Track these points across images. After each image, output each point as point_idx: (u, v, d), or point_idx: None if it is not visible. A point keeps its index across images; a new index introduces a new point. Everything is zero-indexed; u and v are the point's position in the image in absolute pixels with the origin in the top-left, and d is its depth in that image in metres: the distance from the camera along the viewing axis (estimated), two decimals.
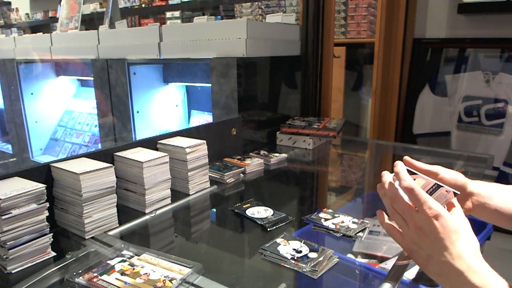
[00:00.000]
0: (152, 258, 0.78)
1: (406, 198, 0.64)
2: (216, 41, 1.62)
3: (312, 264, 0.76)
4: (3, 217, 0.74)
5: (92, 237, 0.90)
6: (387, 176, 0.70)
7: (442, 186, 0.65)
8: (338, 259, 0.79)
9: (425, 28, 2.07)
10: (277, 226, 0.95)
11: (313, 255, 0.80)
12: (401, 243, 0.67)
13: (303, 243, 0.84)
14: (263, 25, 1.77)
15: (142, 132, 2.09)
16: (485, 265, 0.56)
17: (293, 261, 0.78)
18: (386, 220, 0.70)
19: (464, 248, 0.57)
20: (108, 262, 0.77)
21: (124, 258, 0.78)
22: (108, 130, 2.18)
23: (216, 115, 1.65)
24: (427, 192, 0.64)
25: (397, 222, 0.67)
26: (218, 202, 1.18)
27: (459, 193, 0.66)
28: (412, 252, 0.65)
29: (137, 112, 2.07)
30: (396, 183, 0.67)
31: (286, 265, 0.77)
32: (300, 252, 0.81)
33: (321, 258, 0.78)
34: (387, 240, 0.99)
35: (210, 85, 1.65)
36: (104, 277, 0.72)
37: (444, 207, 0.63)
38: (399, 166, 0.68)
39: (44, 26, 5.40)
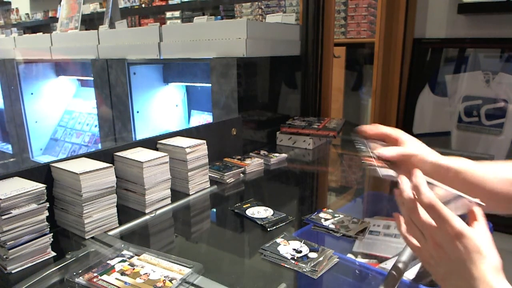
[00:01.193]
0: (152, 258, 0.78)
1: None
2: (216, 41, 1.62)
3: (312, 264, 0.76)
4: (3, 217, 0.74)
5: (92, 237, 0.90)
6: (405, 184, 0.63)
7: (463, 197, 0.60)
8: (338, 259, 0.79)
9: (425, 28, 2.07)
10: (277, 226, 0.95)
11: (313, 255, 0.80)
12: (418, 254, 0.63)
13: (303, 243, 0.84)
14: (263, 25, 1.77)
15: (142, 132, 2.09)
16: (506, 285, 0.54)
17: (293, 261, 0.78)
18: (403, 229, 0.66)
19: (486, 269, 0.54)
20: (108, 262, 0.77)
21: (124, 258, 0.78)
22: (108, 130, 2.18)
23: (216, 115, 1.65)
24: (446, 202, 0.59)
25: (414, 234, 0.62)
26: (218, 202, 1.18)
27: (484, 204, 0.60)
28: (429, 266, 0.61)
29: (137, 112, 2.07)
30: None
31: (286, 265, 0.77)
32: (300, 252, 0.81)
33: (321, 258, 0.78)
34: (387, 240, 0.99)
35: (210, 85, 1.65)
36: (104, 277, 0.72)
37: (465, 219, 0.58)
38: (419, 177, 0.61)
39: (44, 26, 5.40)
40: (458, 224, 0.55)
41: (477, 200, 0.60)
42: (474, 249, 0.55)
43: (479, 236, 0.56)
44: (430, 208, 0.57)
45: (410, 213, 0.61)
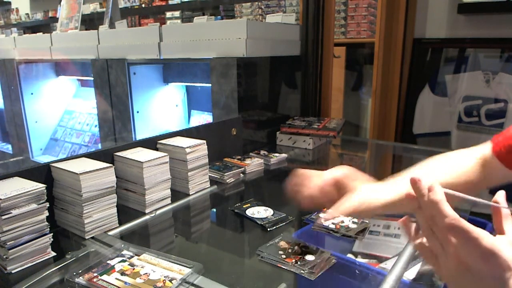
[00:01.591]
0: (152, 258, 0.78)
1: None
2: (216, 41, 1.62)
3: (309, 266, 0.76)
4: (3, 217, 0.74)
5: (92, 237, 0.90)
6: (423, 187, 0.54)
7: (487, 203, 0.54)
8: (335, 261, 0.79)
9: (425, 28, 2.07)
10: (277, 226, 0.95)
11: (310, 257, 0.80)
12: (435, 268, 0.56)
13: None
14: (263, 25, 1.77)
15: (142, 132, 2.09)
16: None
17: (291, 263, 0.78)
18: (414, 237, 0.58)
19: None
20: (108, 262, 0.77)
21: (124, 258, 0.78)
22: (108, 130, 2.18)
23: (216, 115, 1.65)
24: None
25: (432, 247, 0.55)
26: (218, 202, 1.18)
27: (508, 207, 0.55)
28: (448, 282, 0.55)
29: (137, 112, 2.07)
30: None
31: (283, 267, 0.77)
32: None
33: (318, 260, 0.78)
34: (387, 240, 0.99)
35: (210, 85, 1.65)
36: (104, 277, 0.72)
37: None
38: (437, 193, 0.51)
39: (44, 26, 5.40)
40: (489, 242, 0.49)
41: (503, 203, 0.54)
42: (506, 267, 0.48)
43: (509, 247, 0.50)
44: (455, 230, 0.50)
45: (431, 224, 0.53)
